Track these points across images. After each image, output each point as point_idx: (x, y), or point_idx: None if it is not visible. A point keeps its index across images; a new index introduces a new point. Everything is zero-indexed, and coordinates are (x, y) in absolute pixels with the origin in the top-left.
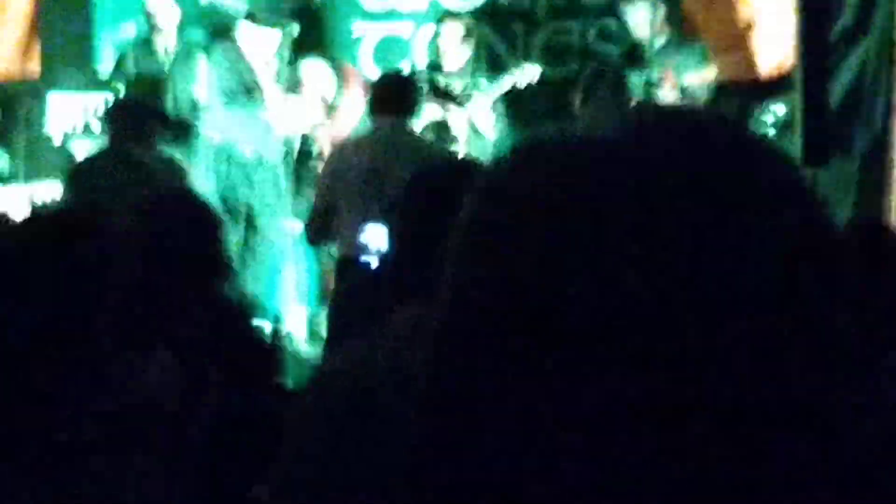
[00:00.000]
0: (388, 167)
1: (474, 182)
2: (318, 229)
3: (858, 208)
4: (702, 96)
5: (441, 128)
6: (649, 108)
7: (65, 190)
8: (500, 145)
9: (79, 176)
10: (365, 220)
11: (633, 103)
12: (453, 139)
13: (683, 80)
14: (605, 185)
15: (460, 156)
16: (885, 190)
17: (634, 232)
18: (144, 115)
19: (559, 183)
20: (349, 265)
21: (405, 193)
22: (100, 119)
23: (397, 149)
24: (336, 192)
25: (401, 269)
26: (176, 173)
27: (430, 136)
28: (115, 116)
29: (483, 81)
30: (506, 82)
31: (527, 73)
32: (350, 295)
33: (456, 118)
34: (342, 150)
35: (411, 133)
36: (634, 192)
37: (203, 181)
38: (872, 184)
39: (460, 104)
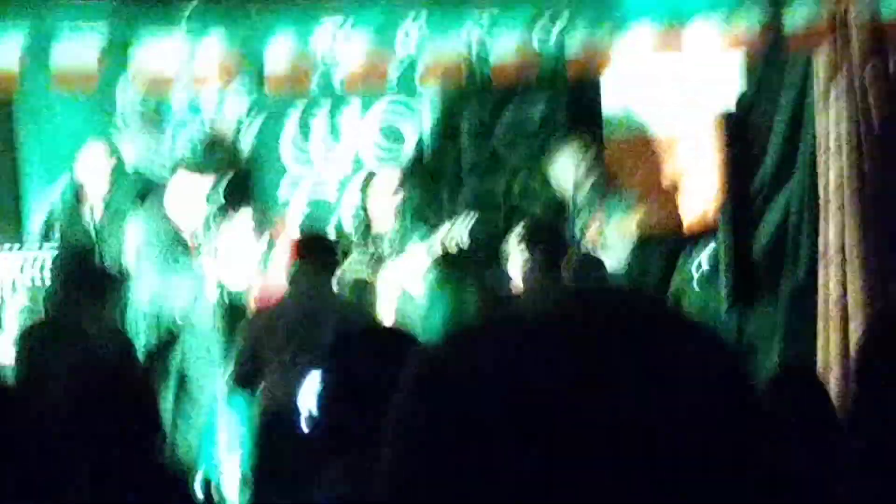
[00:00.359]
0: (314, 322)
1: (413, 365)
2: (245, 375)
3: (785, 354)
4: (627, 245)
5: (367, 287)
6: (585, 290)
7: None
8: (430, 306)
9: (25, 343)
10: (288, 374)
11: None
12: (377, 298)
13: (608, 229)
14: (541, 368)
15: (386, 315)
16: (811, 335)
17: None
18: (97, 273)
19: (496, 369)
20: (274, 419)
21: (332, 358)
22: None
23: (321, 305)
24: (261, 346)
25: (328, 428)
26: (120, 344)
27: (356, 295)
28: (66, 271)
29: (412, 242)
30: (438, 236)
31: (455, 232)
32: (276, 451)
33: (385, 278)
34: (264, 313)
35: (332, 290)
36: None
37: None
38: (799, 331)
39: (391, 264)
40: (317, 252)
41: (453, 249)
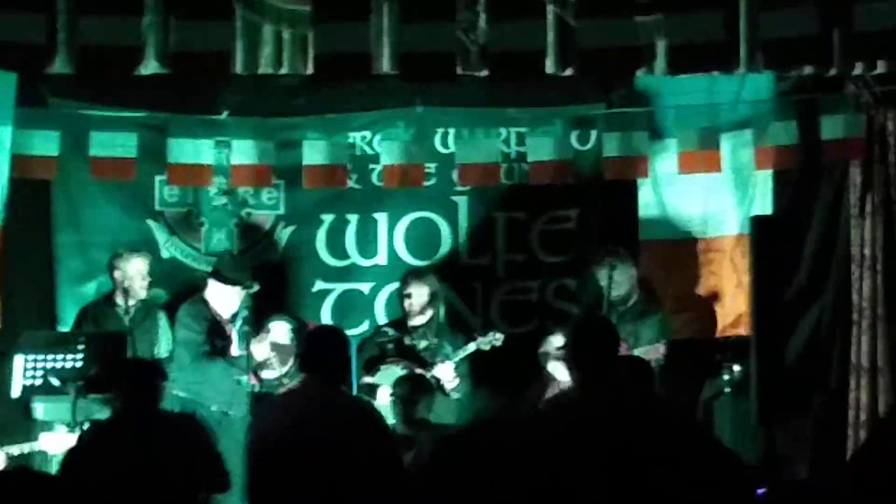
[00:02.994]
0: (314, 427)
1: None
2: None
3: (814, 467)
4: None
5: (414, 384)
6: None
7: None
8: (464, 406)
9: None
10: (290, 485)
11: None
12: (425, 394)
13: (635, 353)
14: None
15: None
16: (841, 449)
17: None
18: (152, 373)
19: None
20: None
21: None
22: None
23: (328, 406)
24: (264, 453)
25: None
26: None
27: (401, 392)
28: (124, 378)
29: (448, 346)
30: (470, 348)
31: (491, 340)
32: None
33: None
34: (269, 410)
35: (341, 391)
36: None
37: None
38: (829, 442)
39: (427, 365)
40: (324, 349)
41: (486, 347)
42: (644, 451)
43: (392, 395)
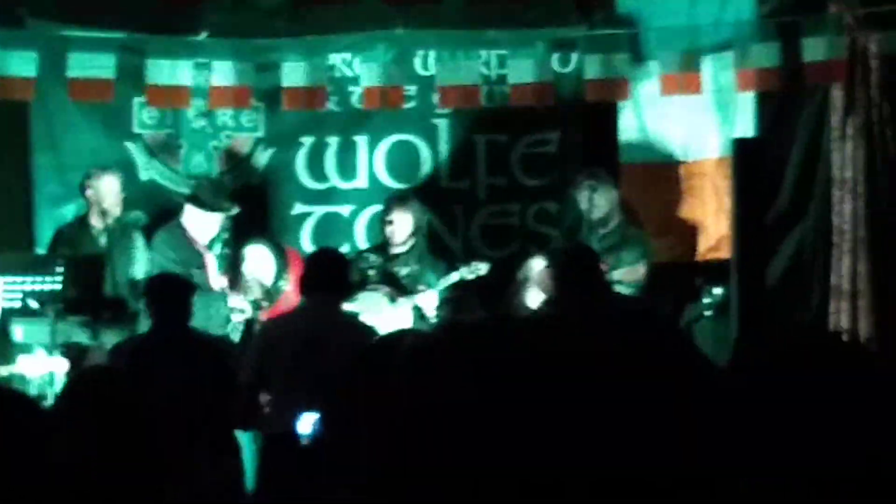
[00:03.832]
0: (319, 344)
1: (402, 352)
2: (246, 408)
3: None
4: (634, 289)
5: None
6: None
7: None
8: None
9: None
10: (296, 394)
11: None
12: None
13: (615, 275)
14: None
15: None
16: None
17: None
18: (184, 289)
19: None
20: (277, 443)
21: (344, 375)
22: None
23: (328, 326)
24: (266, 366)
25: (334, 450)
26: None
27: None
28: (155, 294)
29: (431, 274)
30: (453, 277)
31: (474, 270)
32: (280, 475)
33: (402, 305)
34: (273, 326)
35: (342, 311)
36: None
37: None
38: None
39: (410, 293)
40: (325, 270)
41: (470, 277)
42: (617, 352)
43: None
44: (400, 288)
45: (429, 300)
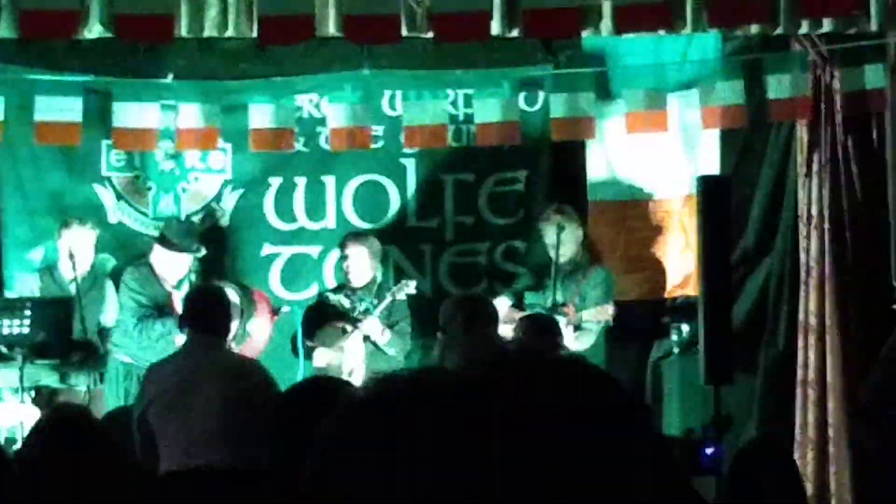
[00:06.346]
0: (197, 384)
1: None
2: (141, 448)
3: (763, 425)
4: (601, 327)
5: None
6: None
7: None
8: (401, 364)
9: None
10: (174, 436)
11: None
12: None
13: (584, 315)
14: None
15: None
16: (789, 408)
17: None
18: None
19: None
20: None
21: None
22: None
23: (208, 366)
24: (149, 415)
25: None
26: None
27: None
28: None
29: (373, 301)
30: (387, 298)
31: (403, 287)
32: None
33: (355, 337)
34: (154, 372)
35: (224, 349)
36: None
37: (111, 400)
38: (777, 402)
39: (355, 323)
40: (207, 308)
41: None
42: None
43: None
44: (353, 322)
45: (373, 326)
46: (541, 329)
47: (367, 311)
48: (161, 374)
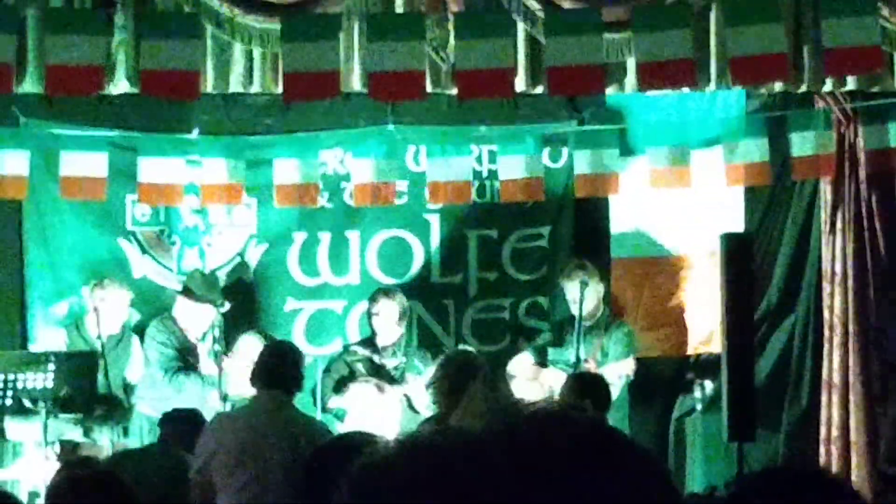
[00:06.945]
0: (262, 441)
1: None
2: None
3: None
4: (622, 382)
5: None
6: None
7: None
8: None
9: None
10: (241, 491)
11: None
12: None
13: (605, 371)
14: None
15: (393, 434)
16: (813, 464)
17: None
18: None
19: (423, 480)
20: None
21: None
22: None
23: (273, 423)
24: (210, 467)
25: None
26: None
27: None
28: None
29: (418, 363)
30: (431, 365)
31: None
32: None
33: (391, 395)
34: (218, 425)
35: (290, 406)
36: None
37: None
38: (800, 460)
39: (397, 382)
40: (275, 364)
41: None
42: None
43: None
44: (389, 379)
45: (417, 389)
46: (582, 390)
47: (401, 370)
48: (229, 427)
